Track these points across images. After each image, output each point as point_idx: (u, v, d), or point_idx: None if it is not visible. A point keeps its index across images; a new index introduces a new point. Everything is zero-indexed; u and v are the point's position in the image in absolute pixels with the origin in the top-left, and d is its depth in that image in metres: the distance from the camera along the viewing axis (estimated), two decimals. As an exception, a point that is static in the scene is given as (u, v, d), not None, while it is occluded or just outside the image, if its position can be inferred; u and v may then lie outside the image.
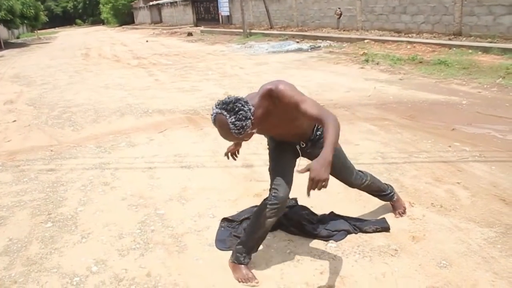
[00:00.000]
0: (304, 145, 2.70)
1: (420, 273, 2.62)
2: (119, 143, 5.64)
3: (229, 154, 3.02)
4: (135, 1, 46.89)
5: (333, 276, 2.66)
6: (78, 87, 10.26)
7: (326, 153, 2.07)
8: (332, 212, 3.32)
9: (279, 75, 9.46)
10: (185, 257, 2.98)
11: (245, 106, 2.26)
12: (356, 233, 3.09)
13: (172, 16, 36.79)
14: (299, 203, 3.47)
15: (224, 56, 14.34)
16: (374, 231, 3.09)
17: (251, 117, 2.27)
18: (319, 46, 14.51)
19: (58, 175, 4.65)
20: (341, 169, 2.88)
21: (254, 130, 2.36)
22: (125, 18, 47.96)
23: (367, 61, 10.60)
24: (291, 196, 3.51)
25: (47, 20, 40.23)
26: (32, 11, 31.92)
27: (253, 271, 2.74)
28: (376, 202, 3.49)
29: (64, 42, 29.09)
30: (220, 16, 27.45)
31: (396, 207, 3.34)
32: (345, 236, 3.06)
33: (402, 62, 10.04)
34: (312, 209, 3.38)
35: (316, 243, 3.02)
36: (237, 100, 2.27)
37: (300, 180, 4.00)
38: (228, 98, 2.29)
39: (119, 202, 3.90)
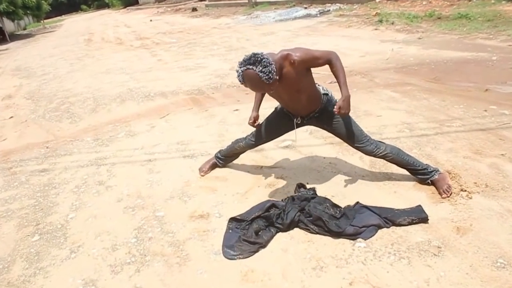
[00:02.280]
0: (300, 121, 3.03)
1: (473, 277, 2.12)
2: (118, 133, 5.19)
3: (254, 123, 3.17)
4: (137, -19, 45.84)
5: (365, 287, 2.17)
6: (78, 75, 9.78)
7: (345, 92, 2.66)
8: (357, 203, 2.81)
9: (288, 44, 8.84)
10: (187, 270, 2.52)
11: (263, 55, 2.48)
12: (388, 227, 2.59)
13: (175, -7, 35.88)
14: (318, 193, 2.98)
15: (230, 28, 13.69)
16: (409, 223, 2.58)
17: (272, 63, 2.48)
18: (329, 10, 13.77)
19: (51, 175, 4.22)
20: (348, 132, 2.94)
21: (277, 77, 2.55)
22: (129, -1, 47.05)
23: (381, 21, 9.90)
24: (308, 186, 3.08)
25: (50, 9, 39.25)
26: (34, 0, 31.32)
27: (268, 283, 2.28)
28: (408, 186, 2.98)
29: (69, 29, 28.53)
30: (224, -12, 26.55)
31: (439, 186, 2.86)
32: (375, 232, 2.57)
33: (419, 20, 9.34)
34: (333, 200, 2.88)
35: (341, 244, 2.53)
36: (255, 54, 2.49)
37: (315, 166, 3.50)
38: (246, 56, 2.50)
39: (114, 204, 3.45)
